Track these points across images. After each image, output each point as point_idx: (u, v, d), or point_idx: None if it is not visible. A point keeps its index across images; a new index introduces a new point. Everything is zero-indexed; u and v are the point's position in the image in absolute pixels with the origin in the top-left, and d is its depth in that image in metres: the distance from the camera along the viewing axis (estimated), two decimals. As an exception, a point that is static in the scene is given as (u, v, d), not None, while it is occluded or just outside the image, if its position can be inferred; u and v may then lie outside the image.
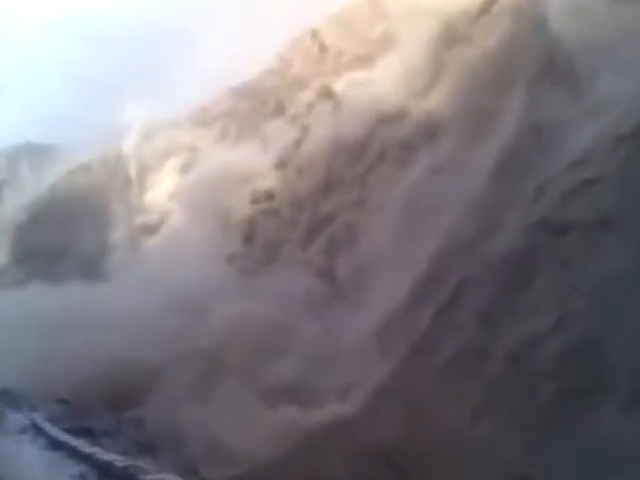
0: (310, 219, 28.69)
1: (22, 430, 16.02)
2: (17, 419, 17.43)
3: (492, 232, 18.47)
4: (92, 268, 38.83)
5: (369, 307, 21.74)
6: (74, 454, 12.25)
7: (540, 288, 16.62)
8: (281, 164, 31.78)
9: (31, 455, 13.19)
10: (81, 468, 11.09)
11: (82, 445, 12.71)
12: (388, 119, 26.53)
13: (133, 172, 45.71)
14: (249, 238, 31.14)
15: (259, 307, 24.17)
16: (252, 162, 33.06)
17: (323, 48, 36.60)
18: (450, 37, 26.18)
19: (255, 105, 39.69)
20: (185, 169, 40.82)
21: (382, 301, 21.03)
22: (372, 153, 26.94)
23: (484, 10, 24.74)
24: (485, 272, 18.00)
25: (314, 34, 37.35)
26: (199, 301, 26.20)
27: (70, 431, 15.42)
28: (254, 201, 31.65)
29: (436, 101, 24.73)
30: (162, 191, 41.99)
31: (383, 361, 19.31)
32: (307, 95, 34.43)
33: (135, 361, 23.33)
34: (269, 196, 31.42)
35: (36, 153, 56.82)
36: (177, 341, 24.19)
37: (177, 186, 39.85)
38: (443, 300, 18.95)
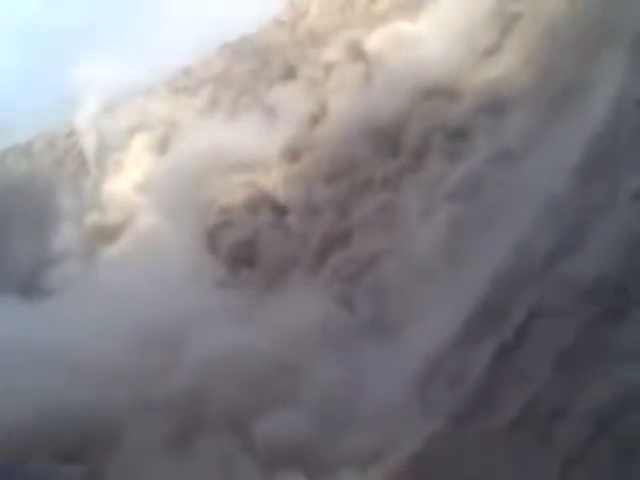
0: (327, 231, 28.93)
1: None
2: None
3: (574, 248, 18.51)
4: (30, 282, 39.22)
5: (406, 345, 21.86)
6: None
7: (638, 324, 16.64)
8: (291, 154, 31.89)
9: None
10: None
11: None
12: (437, 92, 26.73)
13: (89, 155, 46.08)
14: (243, 254, 31.30)
15: (255, 340, 24.43)
16: (251, 142, 33.27)
17: (349, -8, 36.96)
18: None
19: (256, 67, 40.11)
20: (159, 151, 41.19)
21: (424, 338, 21.14)
22: (412, 141, 27.10)
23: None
24: (564, 301, 18.03)
25: (338, -27, 37.73)
26: (173, 331, 26.39)
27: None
28: (252, 208, 31.77)
29: (502, 68, 24.91)
30: (127, 181, 42.26)
31: (424, 419, 19.37)
32: (326, 54, 34.71)
33: (88, 407, 23.55)
34: (274, 205, 31.56)
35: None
36: (143, 383, 24.39)
37: (147, 174, 40.12)
38: (507, 338, 18.99)
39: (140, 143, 42.96)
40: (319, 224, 29.51)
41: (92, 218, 42.15)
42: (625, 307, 17.02)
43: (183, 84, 44.38)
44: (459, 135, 25.59)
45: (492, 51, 26.12)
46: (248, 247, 30.91)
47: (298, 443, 20.82)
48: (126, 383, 24.40)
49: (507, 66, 25.03)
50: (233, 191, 31.92)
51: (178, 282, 29.52)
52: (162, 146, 41.03)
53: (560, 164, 19.98)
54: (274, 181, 31.87)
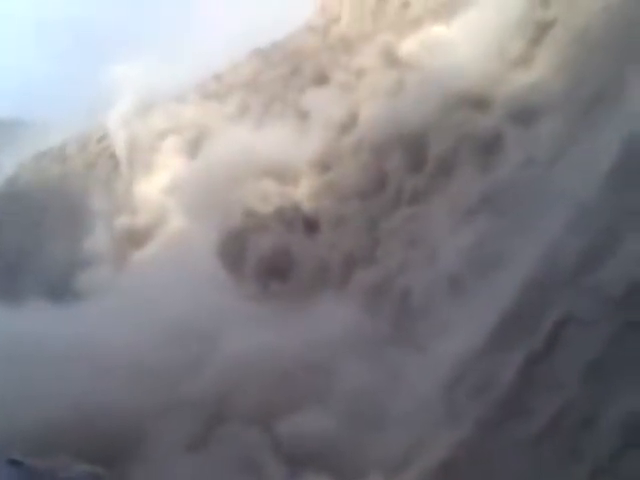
0: (356, 243, 28.92)
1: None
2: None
3: (605, 256, 18.33)
4: (61, 285, 39.63)
5: (434, 352, 21.81)
6: None
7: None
8: (321, 165, 31.83)
9: None
10: None
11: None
12: (468, 100, 26.72)
13: (121, 158, 46.44)
14: (273, 265, 31.28)
15: (283, 340, 24.62)
16: (281, 150, 33.37)
17: (382, -4, 36.95)
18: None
19: (286, 72, 40.22)
20: (189, 155, 41.43)
21: (453, 344, 21.05)
22: (441, 151, 27.06)
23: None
24: (595, 310, 17.86)
25: (369, -21, 37.75)
26: (202, 332, 26.63)
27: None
28: (282, 218, 31.78)
29: (534, 75, 24.84)
30: (157, 184, 42.54)
31: (452, 426, 19.31)
32: (359, 60, 34.74)
33: (117, 407, 23.83)
34: (304, 216, 31.59)
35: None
36: (172, 382, 24.66)
37: (176, 177, 40.40)
38: (536, 346, 18.86)
39: (171, 146, 43.21)
40: (348, 236, 29.52)
41: (123, 221, 42.44)
42: (656, 315, 16.90)
43: (214, 89, 44.58)
44: (490, 145, 25.56)
45: (524, 58, 26.06)
46: (278, 258, 30.93)
47: (325, 444, 20.93)
48: (155, 383, 24.65)
49: (539, 73, 24.95)
50: (262, 199, 31.95)
51: (207, 285, 29.72)
52: (192, 150, 41.23)
53: (592, 171, 19.81)
54: (304, 191, 31.95)
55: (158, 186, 41.89)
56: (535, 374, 18.58)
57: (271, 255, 30.73)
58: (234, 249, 31.39)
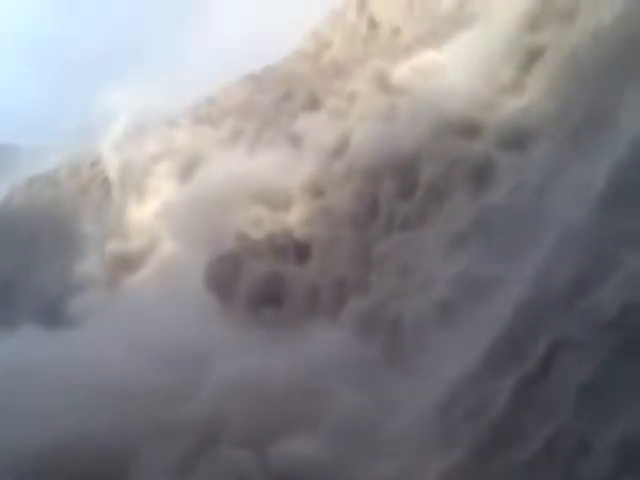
0: (348, 269, 28.89)
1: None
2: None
3: (600, 279, 18.35)
4: (52, 310, 39.41)
5: (427, 377, 21.73)
6: None
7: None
8: (314, 190, 31.86)
9: None
10: None
11: None
12: (459, 126, 26.81)
13: (113, 182, 46.46)
14: (264, 291, 31.08)
15: (274, 365, 24.52)
16: (274, 175, 33.40)
17: (372, 24, 37.25)
18: (547, 13, 26.58)
19: (279, 97, 40.32)
20: (181, 179, 41.44)
21: (445, 369, 21.00)
22: (433, 177, 27.12)
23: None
24: (589, 333, 17.85)
25: (361, 5, 38.06)
26: (193, 356, 26.52)
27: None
28: (273, 244, 31.70)
29: (524, 101, 24.98)
30: (149, 208, 42.51)
31: (445, 451, 19.19)
32: (351, 85, 34.90)
33: (108, 432, 23.67)
34: (296, 242, 31.52)
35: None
36: (163, 407, 24.53)
37: (168, 202, 40.36)
38: (530, 370, 18.82)
39: (163, 171, 43.25)
40: (340, 262, 29.41)
41: (115, 245, 42.36)
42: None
43: (206, 113, 44.69)
44: (481, 170, 25.63)
45: (514, 83, 26.24)
46: (270, 284, 30.74)
47: (316, 469, 20.78)
48: (146, 407, 24.54)
49: (529, 98, 25.12)
50: (254, 225, 31.92)
51: (199, 310, 29.64)
52: (185, 175, 41.25)
53: (583, 195, 19.90)
54: (296, 217, 31.89)
55: (150, 211, 41.84)
56: (529, 398, 18.50)
57: (263, 281, 30.54)
58: (225, 275, 31.25)
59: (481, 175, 25.49)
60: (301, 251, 31.01)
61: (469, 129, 26.87)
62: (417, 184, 27.86)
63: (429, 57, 30.99)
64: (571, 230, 19.53)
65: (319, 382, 23.65)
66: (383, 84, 31.96)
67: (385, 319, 25.86)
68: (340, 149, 31.28)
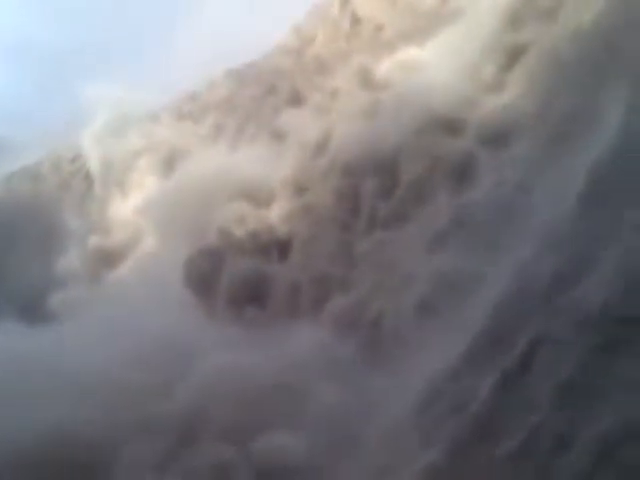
0: (329, 267, 28.87)
1: None
2: None
3: (580, 276, 18.38)
4: (33, 306, 39.17)
5: (407, 373, 21.74)
6: None
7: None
8: (295, 186, 31.77)
9: None
10: None
11: None
12: (440, 123, 26.82)
13: (95, 177, 46.27)
14: (246, 289, 31.02)
15: (255, 362, 24.51)
16: (255, 170, 33.34)
17: (355, 20, 37.20)
18: (529, 11, 26.65)
19: (261, 93, 40.25)
20: (163, 175, 41.31)
21: (426, 366, 21.02)
22: (414, 175, 27.11)
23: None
24: (569, 330, 17.88)
25: (343, 1, 38.01)
26: (174, 353, 26.46)
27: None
28: (255, 240, 31.68)
29: (506, 99, 25.03)
30: (131, 203, 42.37)
31: (425, 448, 19.23)
32: (333, 81, 34.87)
33: (88, 431, 23.57)
34: (277, 239, 31.46)
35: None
36: (144, 405, 24.48)
37: (149, 197, 40.22)
38: (509, 367, 18.84)
39: (145, 166, 43.10)
40: (321, 260, 29.36)
41: (96, 241, 42.20)
42: (628, 336, 16.94)
43: (188, 110, 44.58)
44: (462, 168, 25.66)
45: (496, 81, 26.28)
46: (252, 282, 30.69)
47: (297, 463, 20.82)
48: (128, 403, 24.48)
49: (511, 96, 25.17)
50: (237, 221, 31.82)
51: (180, 307, 29.58)
52: (166, 170, 41.16)
53: (564, 193, 19.97)
54: (278, 213, 31.75)
55: (132, 206, 41.69)
56: (509, 395, 18.55)
57: (245, 279, 30.48)
58: (206, 271, 31.18)
59: (462, 172, 25.54)
60: (282, 248, 30.98)
61: (451, 126, 26.91)
62: (399, 182, 27.89)
63: (412, 53, 30.96)
64: (551, 227, 19.60)
65: (300, 379, 23.68)
66: (366, 80, 31.91)
67: (366, 317, 25.91)
68: (322, 145, 31.21)
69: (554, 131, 22.36)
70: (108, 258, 40.23)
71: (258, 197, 32.32)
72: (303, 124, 33.81)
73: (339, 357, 24.39)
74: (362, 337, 25.31)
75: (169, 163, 41.33)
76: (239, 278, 30.54)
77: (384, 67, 31.51)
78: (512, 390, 18.45)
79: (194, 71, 44.28)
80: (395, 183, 27.94)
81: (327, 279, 28.46)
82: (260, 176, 33.03)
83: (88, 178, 46.92)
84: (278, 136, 35.35)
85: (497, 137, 24.74)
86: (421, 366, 21.25)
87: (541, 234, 19.73)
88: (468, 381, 19.44)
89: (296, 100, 37.36)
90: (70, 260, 43.09)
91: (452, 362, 20.15)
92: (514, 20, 27.10)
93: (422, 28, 31.79)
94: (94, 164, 46.12)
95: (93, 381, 25.71)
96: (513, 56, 26.57)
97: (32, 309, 38.25)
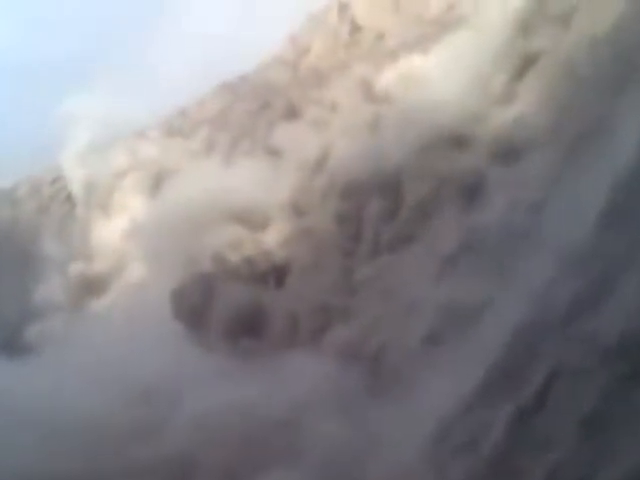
0: (330, 295, 28.94)
1: None
2: None
3: (599, 302, 18.45)
4: (10, 339, 39.17)
5: (417, 407, 21.73)
6: None
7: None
8: (294, 208, 31.87)
9: None
10: None
11: None
12: (448, 138, 26.93)
13: (77, 199, 46.29)
14: (241, 320, 31.01)
15: (252, 397, 24.51)
16: (250, 190, 33.40)
17: (355, 28, 37.45)
18: (541, 16, 26.84)
19: (255, 107, 40.43)
20: (150, 195, 41.37)
21: (435, 400, 21.01)
22: (421, 194, 27.20)
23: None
24: (588, 360, 17.90)
25: (342, 8, 38.26)
26: (163, 391, 26.43)
27: None
28: (253, 269, 31.65)
29: (518, 110, 25.12)
30: (116, 227, 42.39)
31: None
32: (332, 94, 35.03)
33: (68, 474, 23.46)
34: (275, 265, 31.44)
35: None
36: (128, 448, 24.39)
37: (136, 220, 40.24)
38: (525, 401, 18.86)
39: (130, 186, 43.15)
40: (322, 287, 29.42)
41: (78, 268, 42.15)
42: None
43: (178, 125, 44.76)
44: (471, 187, 25.75)
45: (506, 92, 26.38)
46: (248, 311, 30.67)
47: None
48: (112, 446, 24.37)
49: (523, 109, 25.26)
50: (231, 246, 31.84)
51: (170, 339, 29.54)
52: (154, 190, 41.21)
53: (581, 213, 19.99)
54: (274, 238, 31.90)
55: (117, 230, 41.73)
56: (525, 431, 18.53)
57: (241, 308, 30.46)
58: (198, 300, 31.15)
59: (471, 192, 25.62)
60: (280, 275, 31.00)
61: (458, 142, 27.01)
62: (403, 203, 27.97)
63: (415, 63, 31.14)
64: (569, 251, 19.61)
65: (299, 415, 23.65)
66: (366, 92, 32.08)
67: (369, 348, 25.90)
68: (321, 163, 31.33)
69: (570, 146, 22.40)
70: (91, 287, 40.25)
71: (253, 220, 32.37)
72: (300, 140, 34.01)
73: (341, 391, 24.37)
74: (365, 370, 25.29)
75: (157, 183, 41.40)
76: (234, 307, 30.51)
77: (386, 78, 31.72)
78: (529, 426, 18.42)
79: (183, 84, 44.45)
80: (399, 204, 28.03)
81: (327, 308, 28.49)
82: (255, 197, 33.09)
83: (69, 201, 47.01)
84: (274, 153, 35.47)
85: (508, 153, 24.82)
86: (429, 401, 21.22)
87: (557, 258, 19.73)
88: (481, 416, 19.45)
89: (292, 114, 37.55)
90: (50, 289, 43.03)
91: (463, 396, 20.14)
92: (525, 27, 27.26)
93: (426, 36, 32.00)
94: (75, 186, 46.24)
95: (73, 421, 25.63)
96: (524, 65, 26.71)
97: (9, 341, 38.24)
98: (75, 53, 66.33)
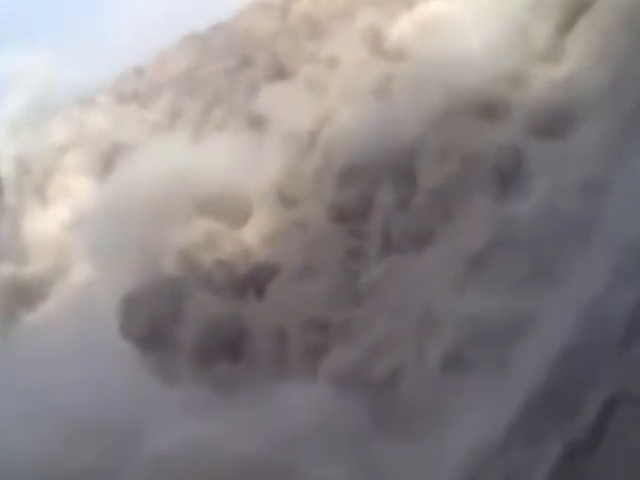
0: (328, 302, 29.02)
1: None
2: None
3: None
4: None
5: (433, 446, 21.87)
6: None
7: None
8: (283, 195, 31.81)
9: None
10: None
11: None
12: (482, 103, 26.92)
13: (6, 182, 46.31)
14: (214, 339, 30.97)
15: (229, 434, 24.58)
16: (226, 172, 33.39)
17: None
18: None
19: (233, 65, 40.51)
20: (99, 178, 41.42)
21: (460, 438, 21.11)
22: (442, 176, 27.24)
23: None
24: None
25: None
26: (117, 426, 26.48)
27: None
28: (229, 272, 31.67)
29: (566, 68, 25.18)
30: (56, 217, 42.44)
31: None
32: (331, 48, 35.12)
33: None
34: (258, 267, 31.45)
35: None
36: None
37: (82, 209, 40.34)
38: (576, 436, 18.94)
39: (74, 165, 43.19)
40: (317, 296, 29.42)
41: (8, 270, 42.15)
42: None
43: (133, 89, 44.79)
44: (506, 168, 25.79)
45: (551, 47, 26.43)
46: (223, 327, 30.58)
47: None
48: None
49: (572, 68, 25.34)
50: (202, 243, 31.88)
51: (125, 360, 29.56)
52: (103, 171, 41.26)
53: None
54: (258, 233, 31.86)
55: (56, 221, 41.76)
56: (576, 473, 18.63)
57: (214, 324, 30.44)
58: (160, 313, 31.11)
59: (506, 174, 25.66)
60: (264, 281, 31.01)
61: (490, 110, 27.06)
62: (419, 188, 27.98)
63: (437, 8, 31.21)
64: (630, 248, 19.69)
65: (288, 457, 23.71)
66: (374, 46, 32.18)
67: (377, 374, 25.98)
68: (316, 137, 31.43)
69: (631, 113, 22.50)
70: (24, 293, 40.32)
71: (230, 211, 32.41)
72: (289, 107, 34.03)
73: (341, 428, 24.45)
74: (372, 401, 25.40)
75: (107, 161, 41.47)
76: (204, 323, 30.48)
77: (399, 28, 31.78)
78: (581, 466, 18.53)
79: (141, 38, 44.47)
80: (414, 191, 28.03)
81: (324, 323, 28.55)
82: (232, 181, 33.07)
83: (-3, 182, 47.10)
84: (256, 123, 35.53)
85: (553, 125, 24.86)
86: (455, 439, 21.33)
87: (617, 257, 19.82)
88: (521, 457, 19.55)
89: (279, 74, 37.60)
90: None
91: (498, 432, 20.24)
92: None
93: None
94: (5, 165, 46.17)
95: (7, 464, 25.68)
96: (574, 12, 26.77)
97: None
98: (14, 9, 66.85)
